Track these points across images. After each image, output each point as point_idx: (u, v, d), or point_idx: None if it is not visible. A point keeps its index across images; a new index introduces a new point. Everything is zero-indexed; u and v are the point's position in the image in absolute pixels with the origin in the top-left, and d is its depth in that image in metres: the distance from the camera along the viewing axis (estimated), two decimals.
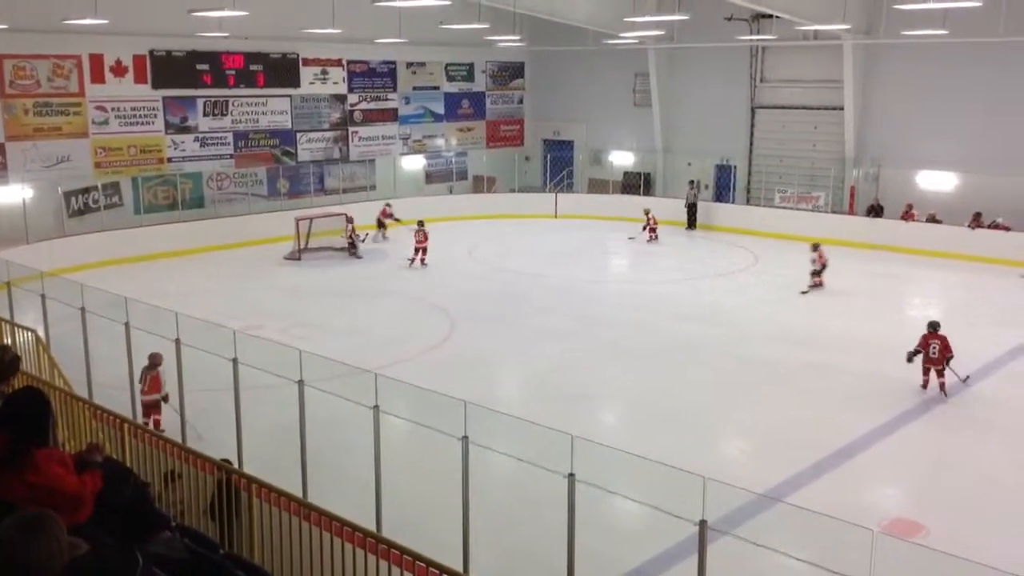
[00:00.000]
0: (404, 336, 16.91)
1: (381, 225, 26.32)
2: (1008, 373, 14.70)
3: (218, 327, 11.26)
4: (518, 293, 20.03)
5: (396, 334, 17.12)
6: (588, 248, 25.60)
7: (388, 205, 26.89)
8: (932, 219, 24.21)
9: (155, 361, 11.42)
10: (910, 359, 13.51)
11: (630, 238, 26.27)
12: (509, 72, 34.58)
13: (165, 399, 11.43)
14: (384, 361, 13.60)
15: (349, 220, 24.27)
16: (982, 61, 23.92)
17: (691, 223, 27.95)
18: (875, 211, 25.47)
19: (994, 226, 23.11)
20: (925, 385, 13.53)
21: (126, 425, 8.27)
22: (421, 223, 23.10)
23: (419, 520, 9.12)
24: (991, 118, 24.21)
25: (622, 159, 32.51)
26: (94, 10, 17.87)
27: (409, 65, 31.26)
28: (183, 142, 26.14)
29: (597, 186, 32.16)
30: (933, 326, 13.57)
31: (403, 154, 31.53)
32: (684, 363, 15.28)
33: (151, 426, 10.81)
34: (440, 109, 32.58)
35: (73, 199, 23.75)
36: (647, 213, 26.26)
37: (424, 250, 22.67)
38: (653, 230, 26.08)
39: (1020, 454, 11.57)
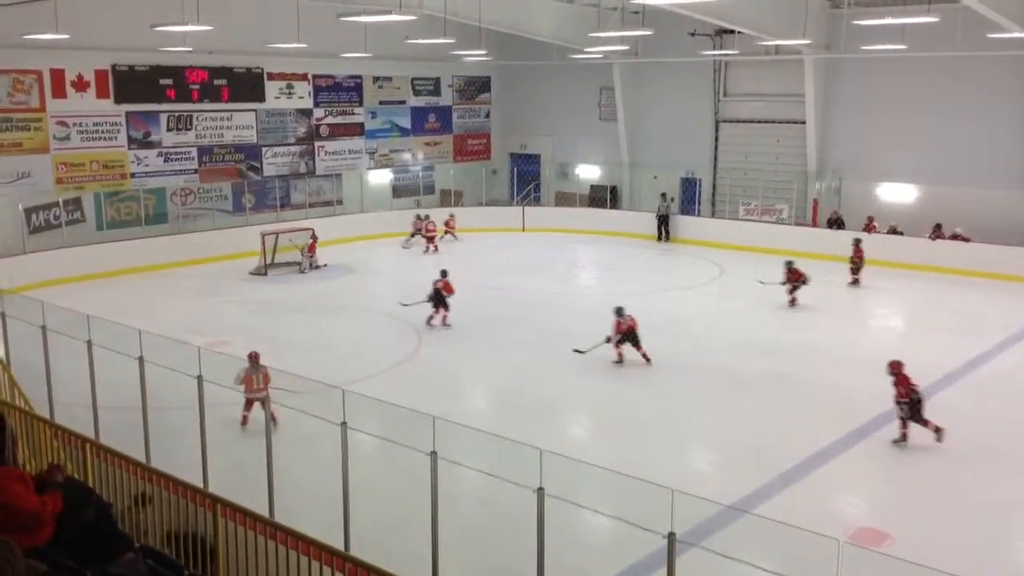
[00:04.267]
0: (371, 351, 16.82)
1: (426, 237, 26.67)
2: (969, 383, 14.93)
3: (183, 344, 11.13)
4: (486, 307, 20.01)
5: (363, 349, 17.03)
6: (555, 261, 25.66)
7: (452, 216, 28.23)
8: (893, 231, 24.58)
9: (255, 359, 12.44)
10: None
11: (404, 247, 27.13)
12: (475, 86, 34.68)
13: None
14: (351, 377, 13.52)
15: (313, 237, 24.15)
16: (939, 75, 24.40)
17: (664, 235, 28.18)
18: (835, 223, 25.83)
19: (954, 237, 23.51)
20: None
21: (88, 445, 8.14)
22: (427, 216, 26.66)
23: (388, 537, 9.07)
24: (949, 130, 24.69)
25: (589, 172, 32.71)
26: (55, 25, 17.65)
27: (375, 79, 31.24)
28: (146, 157, 25.87)
29: (564, 199, 32.33)
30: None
31: (370, 168, 31.46)
32: (651, 375, 15.34)
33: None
34: (407, 123, 32.57)
35: (34, 215, 23.39)
36: (427, 218, 27.05)
37: (432, 238, 26.00)
38: (431, 239, 26.50)
39: (982, 463, 11.74)
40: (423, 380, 14.91)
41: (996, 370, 15.60)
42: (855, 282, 21.99)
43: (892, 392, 12.07)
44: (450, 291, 17.91)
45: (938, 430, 11.92)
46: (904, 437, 12.04)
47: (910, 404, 11.93)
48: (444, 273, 18.17)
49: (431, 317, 17.97)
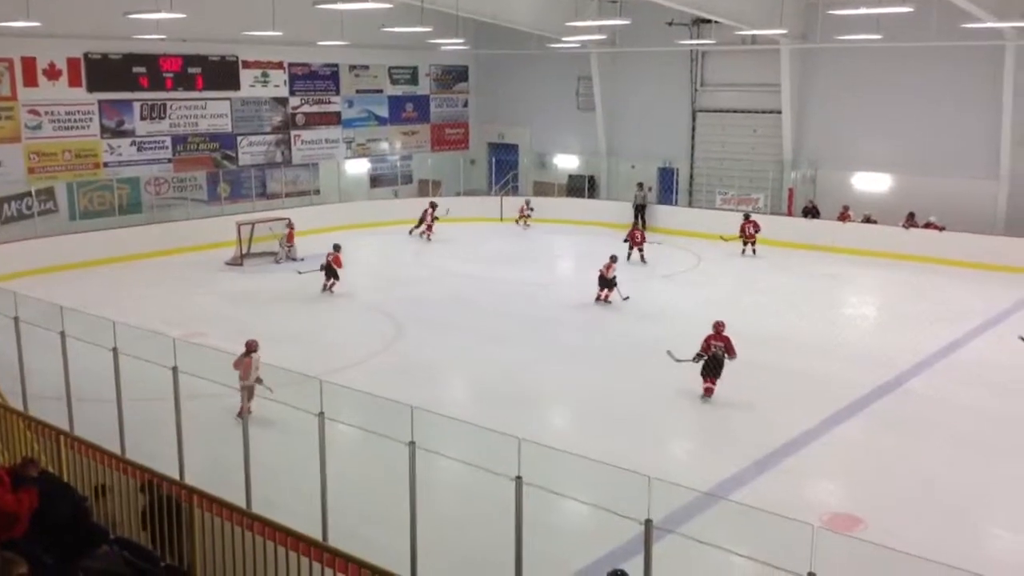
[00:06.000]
0: (349, 342, 16.78)
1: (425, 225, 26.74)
2: (942, 369, 15.11)
3: (157, 335, 11.05)
4: (465, 297, 20.02)
5: (341, 340, 16.98)
6: (534, 251, 25.69)
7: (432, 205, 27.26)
8: (868, 219, 24.80)
9: (250, 348, 12.30)
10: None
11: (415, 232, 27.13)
12: (453, 75, 34.57)
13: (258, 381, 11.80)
14: (329, 367, 13.48)
15: (290, 227, 24.01)
16: (914, 64, 24.61)
17: (641, 224, 28.19)
18: (811, 212, 26.03)
19: (928, 226, 23.75)
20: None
21: (62, 437, 8.09)
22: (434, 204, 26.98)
23: (366, 527, 9.07)
24: (923, 120, 24.91)
25: (567, 162, 32.72)
26: (26, 12, 17.41)
27: (352, 68, 31.06)
28: (120, 146, 25.60)
29: (542, 189, 32.31)
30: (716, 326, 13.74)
31: (347, 158, 31.30)
32: (630, 364, 15.41)
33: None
34: (384, 112, 32.43)
35: (5, 205, 23.12)
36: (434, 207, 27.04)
37: (430, 227, 26.46)
38: (430, 227, 26.67)
39: (954, 448, 11.91)
40: (402, 370, 14.89)
41: (968, 357, 15.80)
42: (743, 253, 24.24)
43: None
44: (339, 265, 19.83)
45: (708, 391, 13.30)
46: (707, 392, 13.31)
47: (706, 361, 13.25)
48: (337, 247, 20.04)
49: (324, 286, 19.89)
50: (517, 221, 29.06)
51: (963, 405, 13.42)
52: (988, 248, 22.60)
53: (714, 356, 13.30)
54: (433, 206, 26.94)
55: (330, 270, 19.84)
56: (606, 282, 19.04)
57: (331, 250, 19.97)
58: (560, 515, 9.29)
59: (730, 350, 13.34)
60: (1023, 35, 22.09)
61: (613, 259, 19.28)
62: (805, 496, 10.53)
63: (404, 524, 7.65)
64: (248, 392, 11.76)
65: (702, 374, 13.35)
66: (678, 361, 13.47)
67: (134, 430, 10.41)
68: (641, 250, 23.40)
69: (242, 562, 6.90)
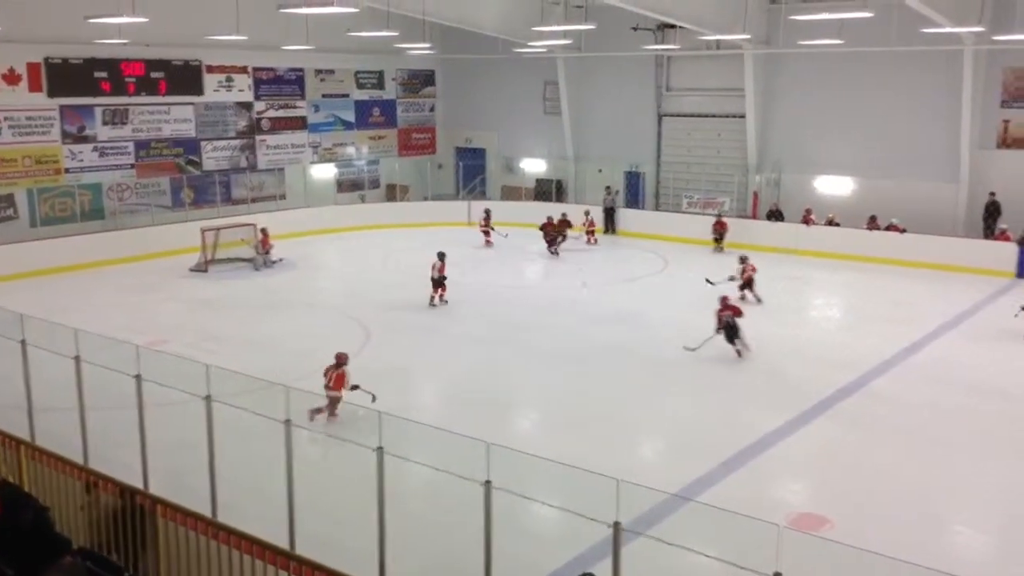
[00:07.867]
0: (317, 348, 16.57)
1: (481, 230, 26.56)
2: (904, 369, 15.32)
3: (121, 343, 10.90)
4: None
5: (309, 346, 16.80)
6: (502, 255, 25.69)
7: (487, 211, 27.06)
8: (831, 222, 25.11)
9: (341, 360, 12.71)
10: None
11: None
12: (420, 80, 34.53)
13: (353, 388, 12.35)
14: (297, 374, 13.37)
15: (264, 232, 23.80)
16: (875, 69, 24.99)
17: (610, 228, 28.34)
18: (775, 216, 26.31)
19: (890, 228, 24.09)
20: None
21: (23, 447, 7.96)
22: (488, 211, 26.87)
23: (334, 535, 9.00)
24: (885, 124, 25.30)
25: (534, 166, 32.80)
26: None
27: (318, 72, 30.92)
28: (81, 152, 25.27)
29: (510, 193, 32.39)
30: None
31: (313, 163, 31.13)
32: (598, 367, 15.46)
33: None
34: (350, 117, 32.31)
35: None
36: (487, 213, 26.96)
37: (487, 232, 26.40)
38: (487, 233, 26.60)
39: (916, 447, 12.07)
40: (371, 376, 14.74)
41: (930, 357, 16.03)
42: (719, 250, 25.12)
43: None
44: (439, 272, 19.33)
45: (738, 352, 15.50)
46: (738, 354, 15.51)
47: (725, 329, 15.51)
48: (441, 255, 19.43)
49: (431, 298, 19.36)
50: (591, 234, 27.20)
51: (926, 404, 13.62)
52: (948, 250, 22.96)
53: (727, 324, 15.50)
54: (488, 212, 26.71)
55: (437, 281, 19.26)
56: (749, 283, 19.58)
57: (436, 259, 19.30)
58: (529, 518, 9.29)
59: (737, 312, 15.60)
60: (981, 40, 22.50)
61: (744, 259, 19.82)
62: (771, 496, 10.63)
63: (373, 530, 7.60)
64: (335, 402, 12.32)
65: (727, 341, 15.47)
66: (694, 350, 15.54)
67: (97, 439, 10.25)
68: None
69: (207, 572, 6.83)
